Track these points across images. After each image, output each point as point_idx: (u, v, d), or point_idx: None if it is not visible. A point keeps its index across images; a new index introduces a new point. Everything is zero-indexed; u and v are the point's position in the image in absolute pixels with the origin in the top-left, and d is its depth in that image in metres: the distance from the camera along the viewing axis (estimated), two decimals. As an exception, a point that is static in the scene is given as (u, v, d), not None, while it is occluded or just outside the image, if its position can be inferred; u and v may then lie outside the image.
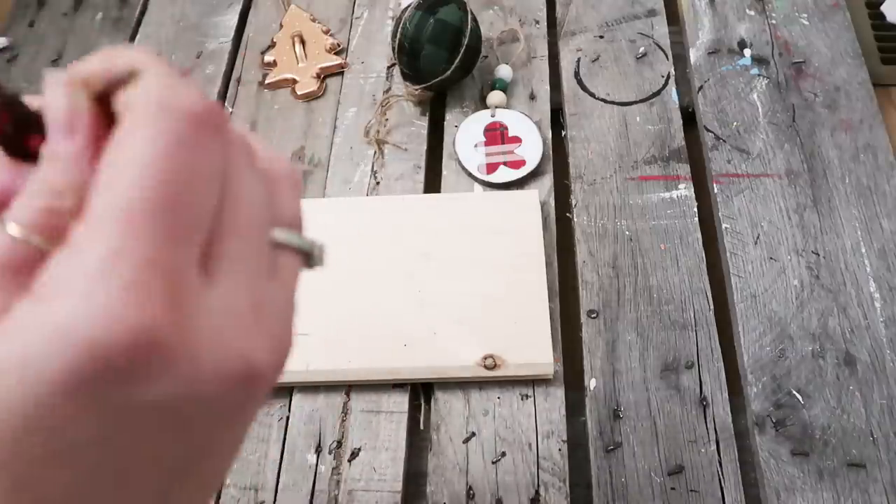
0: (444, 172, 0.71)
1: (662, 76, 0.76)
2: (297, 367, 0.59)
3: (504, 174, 0.69)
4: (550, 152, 0.72)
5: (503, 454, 0.57)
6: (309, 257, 0.22)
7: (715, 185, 0.69)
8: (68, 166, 0.19)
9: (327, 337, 0.60)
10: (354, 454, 0.58)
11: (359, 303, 0.61)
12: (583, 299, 0.63)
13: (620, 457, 0.56)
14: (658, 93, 0.75)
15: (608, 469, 0.56)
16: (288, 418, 0.60)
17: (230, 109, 0.79)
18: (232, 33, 0.85)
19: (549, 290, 0.62)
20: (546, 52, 0.79)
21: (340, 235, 0.65)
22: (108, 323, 0.15)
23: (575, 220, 0.68)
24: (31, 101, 0.22)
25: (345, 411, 0.59)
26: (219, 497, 0.57)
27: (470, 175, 0.70)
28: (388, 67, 0.79)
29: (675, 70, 0.76)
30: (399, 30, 0.71)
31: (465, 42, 0.70)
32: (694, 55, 0.77)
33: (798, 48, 0.76)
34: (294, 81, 0.79)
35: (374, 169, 0.72)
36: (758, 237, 0.65)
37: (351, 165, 0.72)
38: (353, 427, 0.59)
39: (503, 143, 0.71)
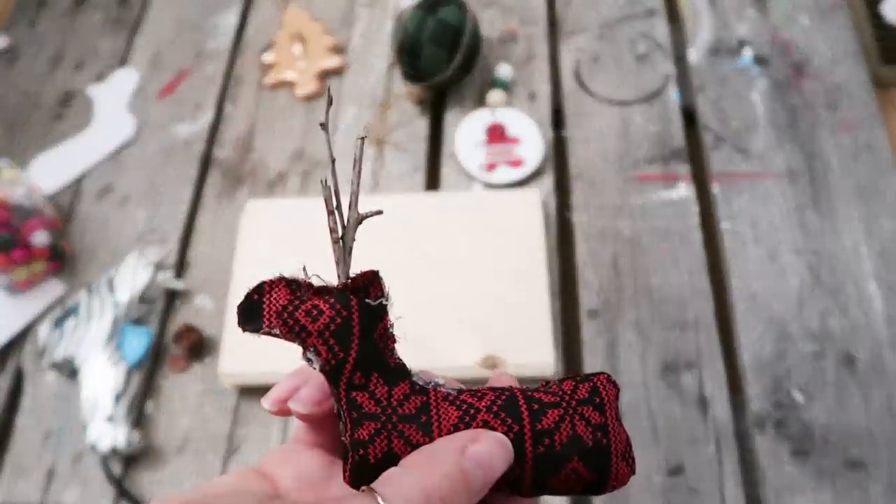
0: (444, 172, 0.71)
1: (662, 76, 0.76)
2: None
3: (504, 174, 0.69)
4: (551, 152, 0.72)
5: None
6: None
7: (715, 185, 0.69)
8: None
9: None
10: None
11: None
12: (583, 299, 0.63)
13: (620, 457, 0.56)
14: (658, 93, 0.75)
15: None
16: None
17: (230, 109, 0.79)
18: (232, 33, 0.85)
19: (549, 290, 0.62)
20: (546, 52, 0.79)
21: (340, 235, 0.65)
22: None
23: (575, 220, 0.68)
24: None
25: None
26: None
27: (470, 175, 0.70)
28: (388, 67, 0.79)
29: (675, 70, 0.76)
30: (399, 30, 0.71)
31: (465, 42, 0.70)
32: (694, 55, 0.77)
33: (798, 48, 0.76)
34: (294, 82, 0.79)
35: (374, 169, 0.72)
36: (758, 237, 0.65)
37: (351, 165, 0.72)
38: (353, 427, 0.59)
39: (503, 142, 0.71)
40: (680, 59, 0.78)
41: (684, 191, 0.68)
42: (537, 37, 0.80)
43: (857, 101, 0.72)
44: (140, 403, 0.61)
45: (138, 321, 0.65)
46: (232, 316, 0.62)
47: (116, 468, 0.59)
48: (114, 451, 0.57)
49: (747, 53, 0.76)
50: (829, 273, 0.63)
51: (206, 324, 0.64)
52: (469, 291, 0.62)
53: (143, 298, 0.64)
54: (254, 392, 0.61)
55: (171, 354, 0.63)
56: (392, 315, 0.26)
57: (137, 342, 0.62)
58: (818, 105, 0.72)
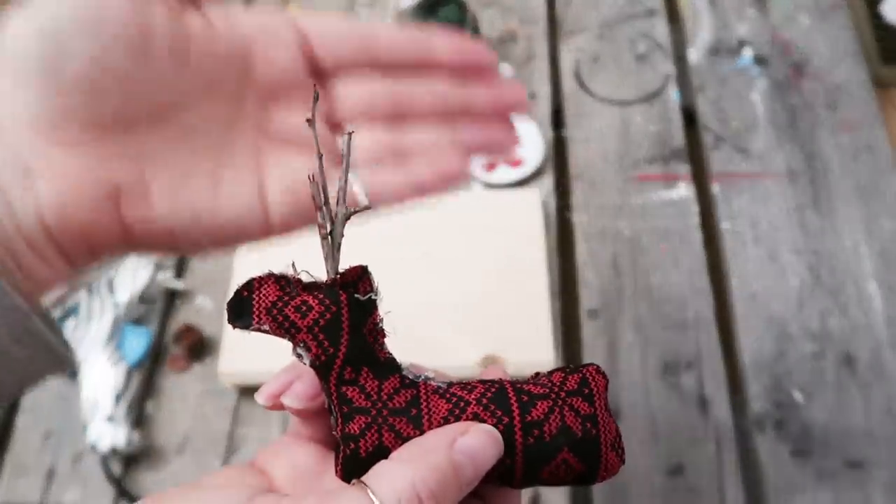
0: (444, 172, 0.71)
1: (662, 76, 0.76)
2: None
3: (504, 174, 0.69)
4: (551, 152, 0.72)
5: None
6: None
7: (715, 185, 0.69)
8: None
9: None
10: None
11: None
12: (583, 299, 0.63)
13: (620, 457, 0.56)
14: (658, 93, 0.75)
15: (608, 469, 0.56)
16: (287, 417, 0.60)
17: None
18: (232, 33, 0.85)
19: (549, 290, 0.62)
20: (546, 52, 0.79)
21: (340, 235, 0.65)
22: None
23: (575, 220, 0.68)
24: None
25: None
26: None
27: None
28: (388, 67, 0.79)
29: (675, 70, 0.76)
30: (399, 30, 0.71)
31: (465, 42, 0.70)
32: (694, 55, 0.77)
33: (798, 48, 0.76)
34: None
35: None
36: (758, 237, 0.65)
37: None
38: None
39: (503, 143, 0.71)
40: (680, 59, 0.78)
41: (684, 191, 0.68)
42: (537, 37, 0.80)
43: (857, 101, 0.72)
44: (140, 403, 0.61)
45: (138, 321, 0.65)
46: (232, 316, 0.62)
47: (116, 468, 0.59)
48: (114, 451, 0.57)
49: (747, 53, 0.76)
50: (829, 273, 0.63)
51: (206, 324, 0.64)
52: (469, 291, 0.62)
53: (143, 298, 0.64)
54: (254, 392, 0.61)
55: (171, 354, 0.63)
56: (382, 310, 0.26)
57: (137, 342, 0.62)
58: (818, 105, 0.72)
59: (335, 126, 0.31)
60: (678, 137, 0.71)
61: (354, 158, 0.27)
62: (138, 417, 0.61)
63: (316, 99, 0.25)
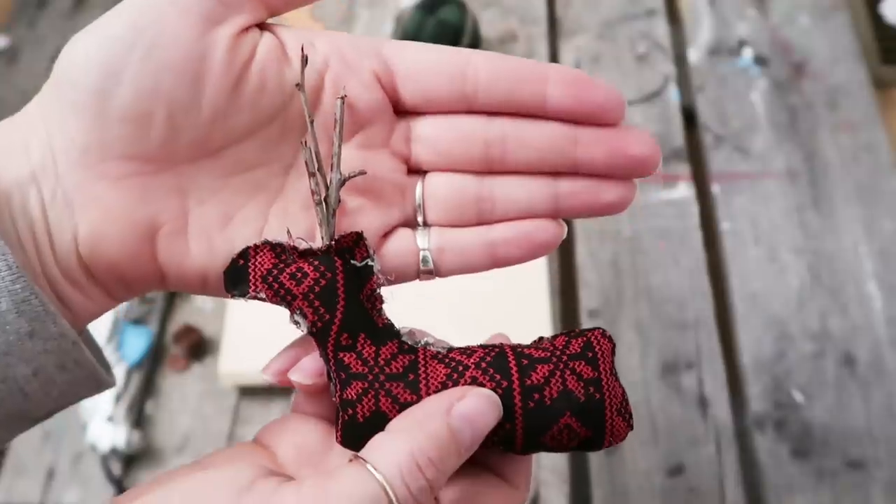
0: (444, 172, 0.71)
1: (662, 76, 0.76)
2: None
3: (504, 174, 0.69)
4: (550, 152, 0.72)
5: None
6: None
7: (715, 185, 0.69)
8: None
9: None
10: (354, 454, 0.58)
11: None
12: (583, 299, 0.63)
13: (620, 457, 0.56)
14: (658, 93, 0.75)
15: (608, 469, 0.56)
16: (288, 418, 0.60)
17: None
18: (232, 33, 0.85)
19: (550, 289, 0.62)
20: (546, 52, 0.79)
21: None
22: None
23: (575, 220, 0.68)
24: None
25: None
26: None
27: (470, 175, 0.70)
28: (388, 67, 0.79)
29: (675, 70, 0.76)
30: (399, 30, 0.71)
31: (465, 42, 0.70)
32: (694, 55, 0.77)
33: (798, 48, 0.76)
34: (294, 81, 0.79)
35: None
36: (758, 237, 0.65)
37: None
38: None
39: (503, 143, 0.71)
40: (680, 59, 0.78)
41: (684, 191, 0.68)
42: (537, 37, 0.80)
43: (857, 101, 0.72)
44: (140, 403, 0.61)
45: (138, 321, 0.65)
46: (232, 315, 0.62)
47: (116, 468, 0.59)
48: (114, 451, 0.57)
49: (747, 53, 0.76)
50: (829, 273, 0.63)
51: (206, 324, 0.64)
52: (469, 291, 0.61)
53: (143, 298, 0.64)
54: (254, 392, 0.61)
55: (171, 354, 0.63)
56: (379, 275, 0.26)
57: (137, 342, 0.62)
58: (818, 105, 0.72)
59: (413, 171, 0.27)
60: (678, 137, 0.71)
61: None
62: (138, 417, 0.61)
63: (304, 63, 0.25)
